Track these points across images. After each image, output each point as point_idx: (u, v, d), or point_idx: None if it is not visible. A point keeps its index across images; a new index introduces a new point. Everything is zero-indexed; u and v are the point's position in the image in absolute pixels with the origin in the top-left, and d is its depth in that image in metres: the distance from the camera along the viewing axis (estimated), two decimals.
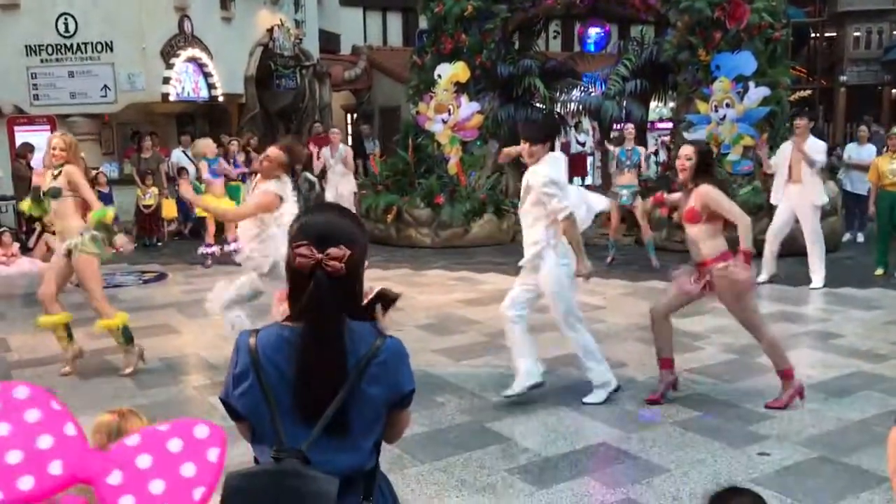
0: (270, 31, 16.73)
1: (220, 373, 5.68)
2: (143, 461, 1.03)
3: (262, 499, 1.72)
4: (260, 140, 15.47)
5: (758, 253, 9.01)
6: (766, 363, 6.02)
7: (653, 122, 16.64)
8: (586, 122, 15.59)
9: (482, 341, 6.73)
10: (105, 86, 13.82)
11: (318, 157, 11.72)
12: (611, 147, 11.07)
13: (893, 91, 30.47)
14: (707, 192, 4.92)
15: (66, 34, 13.70)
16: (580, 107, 13.26)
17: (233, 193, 11.60)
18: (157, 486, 1.02)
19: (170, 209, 13.26)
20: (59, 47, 13.73)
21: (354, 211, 4.03)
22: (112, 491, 1.01)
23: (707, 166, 5.05)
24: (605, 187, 13.00)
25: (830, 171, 12.49)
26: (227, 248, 9.78)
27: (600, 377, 5.25)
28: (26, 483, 1.06)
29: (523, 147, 5.10)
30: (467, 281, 9.51)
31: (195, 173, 12.55)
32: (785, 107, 10.76)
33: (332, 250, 1.81)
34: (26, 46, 13.67)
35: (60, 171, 5.85)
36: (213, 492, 1.03)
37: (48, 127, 12.94)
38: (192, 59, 14.64)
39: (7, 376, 5.89)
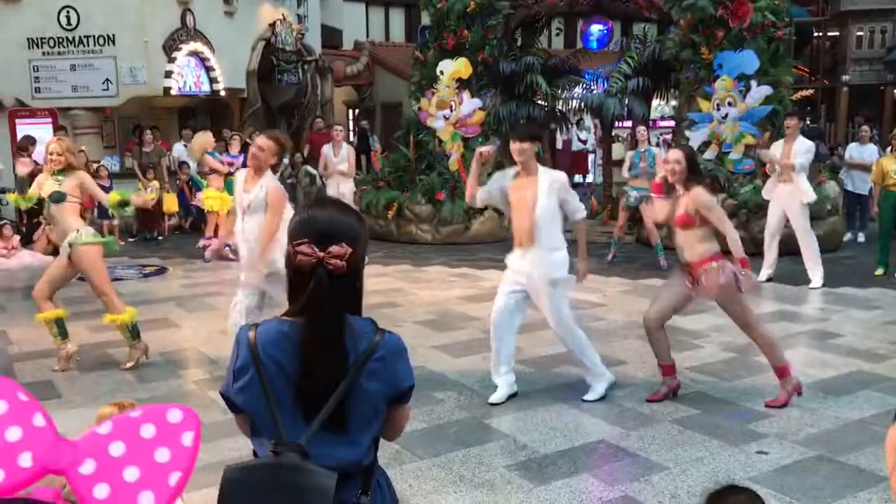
0: (273, 25, 16.71)
1: (220, 367, 5.70)
2: (116, 449, 1.02)
3: (261, 492, 1.72)
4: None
5: (757, 252, 9.06)
6: (765, 362, 6.02)
7: (655, 121, 16.62)
8: (588, 120, 15.57)
9: (481, 338, 6.72)
10: (107, 79, 13.80)
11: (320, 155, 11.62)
12: (624, 150, 11.03)
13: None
14: (699, 197, 4.91)
15: (68, 27, 13.69)
16: (582, 104, 13.23)
17: (231, 188, 11.58)
18: (131, 474, 1.00)
19: (171, 203, 13.25)
20: (60, 40, 13.71)
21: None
22: (85, 480, 0.99)
23: (695, 169, 5.06)
24: (605, 185, 13.03)
25: (832, 170, 12.49)
26: (200, 243, 9.67)
27: (597, 373, 5.26)
28: None
29: (514, 146, 5.06)
30: (467, 277, 9.51)
31: (196, 168, 12.55)
32: (787, 106, 10.74)
33: (334, 248, 1.81)
34: (28, 39, 13.65)
35: (63, 176, 5.86)
36: (189, 476, 1.02)
37: (49, 120, 12.94)
38: (194, 54, 14.62)
39: (8, 368, 5.90)
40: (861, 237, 11.72)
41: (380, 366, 1.86)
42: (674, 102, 13.72)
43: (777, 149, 8.72)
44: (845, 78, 29.59)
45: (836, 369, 5.83)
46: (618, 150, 14.02)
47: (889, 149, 9.95)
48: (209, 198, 10.92)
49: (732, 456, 4.35)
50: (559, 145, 15.26)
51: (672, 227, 5.21)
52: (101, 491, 0.98)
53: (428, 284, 9.09)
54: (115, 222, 12.69)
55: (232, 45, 15.57)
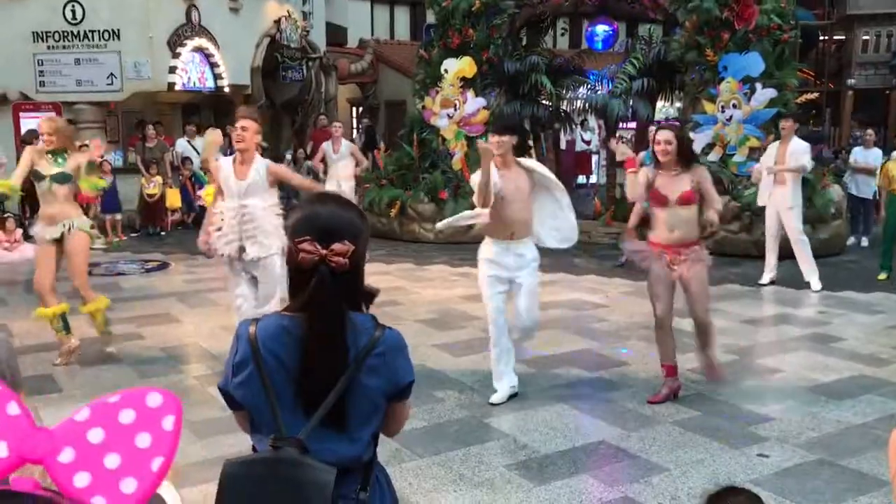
0: (278, 22, 16.70)
1: (221, 363, 5.68)
2: (95, 435, 1.00)
3: (260, 486, 1.72)
4: (266, 132, 15.47)
5: (760, 255, 9.05)
6: (766, 364, 6.03)
7: (659, 122, 16.58)
8: (592, 121, 15.54)
9: (482, 337, 6.69)
10: (111, 74, 13.79)
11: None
12: (635, 154, 10.96)
13: None
14: (703, 173, 5.07)
15: (74, 21, 13.68)
16: (586, 105, 13.21)
17: None
18: (112, 461, 0.98)
19: (174, 199, 13.26)
20: (66, 34, 13.71)
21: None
22: (64, 469, 0.97)
23: (691, 150, 5.15)
24: (609, 186, 12.99)
25: (836, 174, 12.46)
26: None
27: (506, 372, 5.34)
28: None
29: (493, 139, 5.03)
30: (469, 277, 9.47)
31: (199, 163, 12.55)
32: (792, 109, 10.72)
33: (337, 246, 1.80)
34: (33, 33, 13.65)
35: (62, 158, 5.83)
36: (172, 461, 1.01)
37: (53, 114, 12.92)
38: (199, 49, 14.62)
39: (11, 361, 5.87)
40: (864, 241, 11.69)
41: (380, 361, 1.86)
42: (678, 104, 13.69)
43: (772, 150, 8.73)
44: (851, 82, 29.53)
45: (839, 373, 5.82)
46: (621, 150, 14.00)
47: (894, 153, 9.94)
48: (211, 194, 10.89)
49: (733, 458, 4.34)
50: (563, 146, 15.23)
51: (649, 207, 5.21)
52: (82, 479, 0.96)
53: (430, 283, 9.08)
54: (119, 217, 12.71)
55: (237, 41, 15.57)
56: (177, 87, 14.15)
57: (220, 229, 5.41)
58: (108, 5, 13.55)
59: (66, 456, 0.96)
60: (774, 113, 10.60)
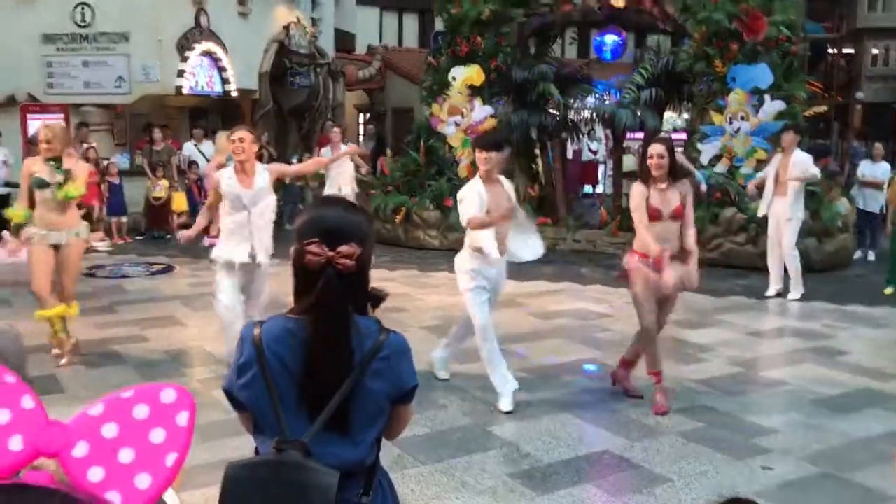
0: (287, 28, 16.75)
1: (224, 366, 5.68)
2: (109, 430, 0.99)
3: (263, 489, 1.71)
4: (273, 137, 15.51)
5: (766, 268, 9.02)
6: (771, 377, 6.01)
7: (667, 132, 16.56)
8: (599, 130, 15.52)
9: None
10: (119, 77, 13.85)
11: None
12: (635, 162, 10.95)
13: None
14: (688, 188, 5.12)
15: (83, 24, 13.74)
16: (594, 114, 13.20)
17: None
18: (126, 455, 0.98)
19: (180, 202, 13.27)
20: (75, 37, 13.77)
21: None
22: (79, 463, 0.97)
23: (675, 160, 5.14)
24: (615, 196, 12.97)
25: (843, 187, 12.43)
26: (204, 242, 9.65)
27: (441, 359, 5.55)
28: None
29: (481, 155, 5.10)
30: None
31: (205, 167, 12.55)
32: (800, 121, 10.71)
33: (344, 248, 1.80)
34: (43, 35, 13.72)
35: (60, 164, 5.81)
36: (185, 457, 1.00)
37: (61, 115, 12.97)
38: (207, 53, 14.66)
39: (20, 358, 5.88)
40: (871, 255, 11.64)
41: (384, 365, 1.86)
42: (686, 115, 13.67)
43: (775, 162, 8.74)
44: (859, 95, 29.50)
45: (844, 387, 5.79)
46: (628, 161, 13.95)
47: None
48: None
49: (737, 470, 4.31)
50: (570, 155, 15.22)
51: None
52: (96, 474, 0.96)
53: (434, 290, 9.06)
54: (124, 219, 12.73)
55: (245, 46, 15.62)
56: (185, 91, 14.19)
57: (216, 235, 5.56)
58: (118, 8, 13.61)
59: (81, 450, 0.95)
60: (782, 125, 10.59)
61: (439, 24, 14.28)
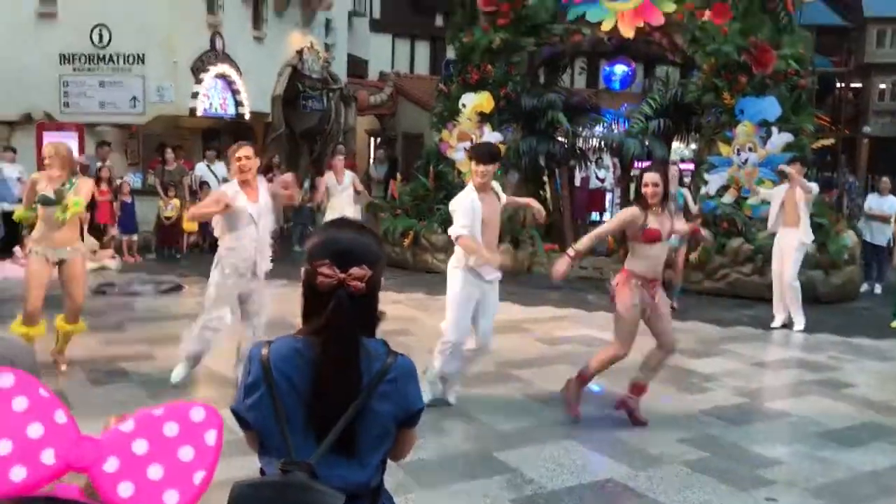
0: (300, 52, 16.94)
1: (231, 386, 5.71)
2: (139, 447, 1.01)
3: None
4: (285, 160, 15.62)
5: (772, 298, 9.02)
6: (777, 408, 5.99)
7: (675, 162, 16.60)
8: (607, 159, 15.61)
9: (491, 370, 6.73)
10: (134, 97, 14.01)
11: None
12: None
13: None
14: (673, 209, 5.44)
15: (100, 45, 13.93)
16: (602, 143, 13.28)
17: None
18: (155, 472, 1.00)
19: (190, 222, 13.34)
20: (91, 57, 13.95)
21: None
22: (109, 478, 0.99)
23: (669, 189, 5.35)
24: None
25: (849, 219, 12.45)
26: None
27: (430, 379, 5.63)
28: (18, 474, 1.03)
29: (478, 168, 5.25)
30: None
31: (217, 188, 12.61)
32: (807, 154, 10.75)
33: (355, 270, 1.81)
34: (60, 55, 13.91)
35: (70, 183, 5.91)
36: (213, 475, 1.02)
37: (76, 134, 13.11)
38: (222, 76, 14.83)
39: (34, 368, 5.94)
40: (878, 288, 11.63)
41: (391, 388, 1.86)
42: (694, 145, 13.75)
43: (780, 192, 8.78)
44: (866, 129, 29.55)
45: (849, 419, 5.77)
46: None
47: None
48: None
49: (741, 501, 4.31)
50: (577, 182, 15.29)
51: (634, 242, 5.33)
52: (126, 489, 0.98)
53: (441, 313, 9.02)
54: (135, 238, 12.82)
55: (259, 69, 15.79)
56: (198, 113, 14.34)
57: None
58: (134, 30, 13.79)
59: (111, 465, 0.97)
60: (790, 157, 10.64)
61: (451, 52, 14.43)
